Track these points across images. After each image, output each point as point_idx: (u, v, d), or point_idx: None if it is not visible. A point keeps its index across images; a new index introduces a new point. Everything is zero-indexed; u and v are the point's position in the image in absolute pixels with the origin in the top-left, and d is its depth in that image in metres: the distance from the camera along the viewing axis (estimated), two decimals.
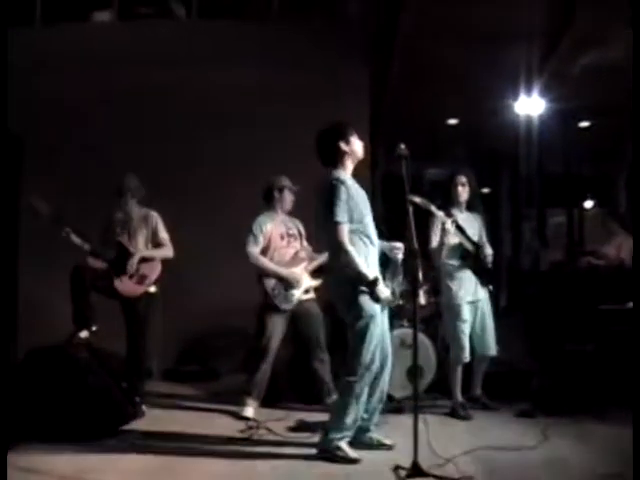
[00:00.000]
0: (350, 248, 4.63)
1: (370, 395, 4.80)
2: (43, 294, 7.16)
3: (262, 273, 6.06)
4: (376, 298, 4.61)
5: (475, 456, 4.69)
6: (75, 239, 5.90)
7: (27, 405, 5.09)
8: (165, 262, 6.23)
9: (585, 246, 11.22)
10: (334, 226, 4.65)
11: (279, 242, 6.17)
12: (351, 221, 4.70)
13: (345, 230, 4.66)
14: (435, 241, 5.99)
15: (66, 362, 5.28)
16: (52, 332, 5.66)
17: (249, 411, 5.88)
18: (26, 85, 7.40)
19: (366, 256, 4.72)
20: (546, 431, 5.24)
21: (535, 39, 9.49)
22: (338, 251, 4.67)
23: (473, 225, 6.16)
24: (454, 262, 6.03)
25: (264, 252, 6.11)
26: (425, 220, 5.88)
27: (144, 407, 5.81)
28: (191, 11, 9.24)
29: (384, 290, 4.65)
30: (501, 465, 4.59)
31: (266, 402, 6.10)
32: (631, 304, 6.05)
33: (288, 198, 6.27)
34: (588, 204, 14.47)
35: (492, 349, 6.06)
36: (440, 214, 5.77)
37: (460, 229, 5.91)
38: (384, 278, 4.84)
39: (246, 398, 5.96)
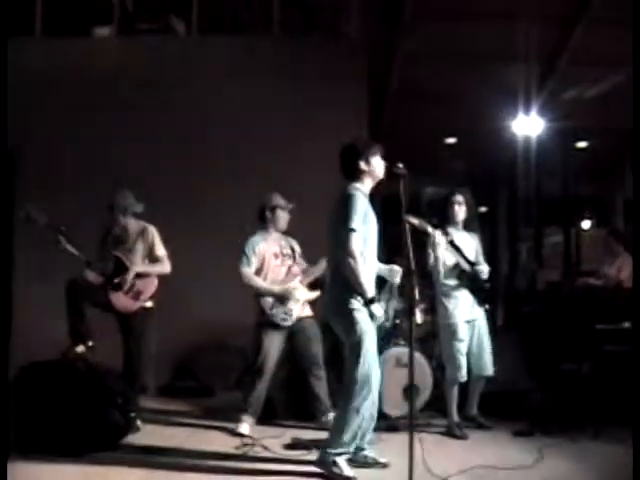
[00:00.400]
0: (358, 257, 4.63)
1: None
2: (39, 308, 7.14)
3: (256, 293, 6.06)
4: (371, 315, 4.62)
5: (471, 475, 4.67)
6: (71, 249, 5.88)
7: (21, 419, 5.07)
8: (161, 277, 6.21)
9: (582, 266, 11.22)
10: (348, 233, 4.63)
11: (273, 261, 6.16)
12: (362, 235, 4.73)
13: (358, 239, 4.66)
14: (432, 260, 5.99)
15: (62, 377, 5.26)
16: (49, 346, 5.65)
17: (245, 428, 5.85)
18: (26, 96, 7.43)
19: (366, 275, 4.72)
20: (543, 450, 5.22)
21: (534, 59, 9.56)
22: (346, 259, 4.65)
23: (470, 244, 6.15)
24: (450, 281, 6.02)
25: (258, 272, 6.11)
26: (423, 240, 5.89)
27: (139, 422, 5.79)
28: (191, 27, 9.27)
29: (379, 309, 4.67)
30: None
31: (262, 419, 6.07)
32: (628, 324, 6.05)
33: (281, 217, 6.24)
34: (586, 224, 14.50)
35: (489, 369, 6.05)
36: (436, 234, 5.77)
37: (456, 248, 5.92)
38: (379, 299, 4.84)
39: (242, 415, 5.93)
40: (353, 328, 4.65)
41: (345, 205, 4.70)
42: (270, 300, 6.01)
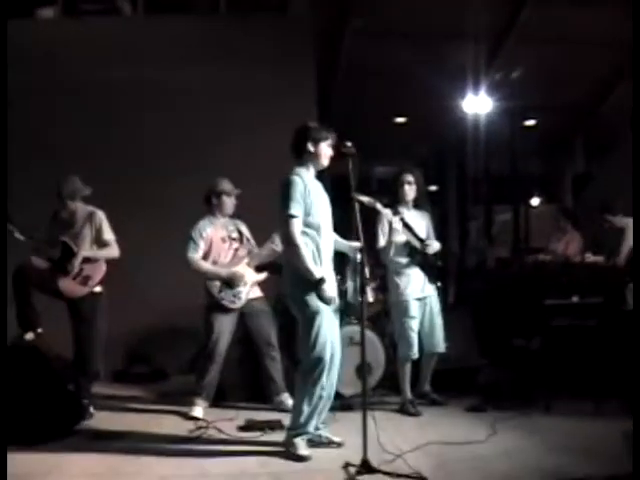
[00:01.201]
0: (300, 242, 4.64)
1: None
2: None
3: (205, 278, 6.04)
4: (320, 296, 4.62)
5: (425, 451, 4.72)
6: (19, 236, 5.78)
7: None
8: (111, 262, 6.15)
9: (531, 243, 11.35)
10: (287, 220, 4.66)
11: (221, 245, 6.14)
12: (307, 216, 4.72)
13: (297, 224, 4.67)
14: (382, 239, 6.00)
15: (12, 364, 5.19)
16: None
17: (198, 411, 5.84)
18: None
19: (317, 253, 4.72)
20: (495, 425, 5.29)
21: (482, 38, 9.60)
22: (287, 244, 4.70)
23: (420, 223, 6.18)
24: (401, 259, 6.05)
25: (206, 256, 6.10)
26: (373, 219, 5.90)
27: (92, 409, 5.73)
28: (137, 7, 9.13)
29: (329, 289, 4.66)
30: (451, 459, 4.63)
31: (215, 402, 6.07)
32: (576, 298, 6.15)
33: (228, 202, 6.21)
34: (534, 201, 14.65)
35: (440, 346, 6.10)
36: (386, 212, 5.77)
37: (407, 226, 5.93)
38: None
39: (195, 398, 5.92)
40: (305, 308, 4.67)
41: (282, 192, 4.74)
42: (218, 284, 5.99)
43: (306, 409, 4.71)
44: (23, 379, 5.13)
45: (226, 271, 6.04)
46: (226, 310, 5.97)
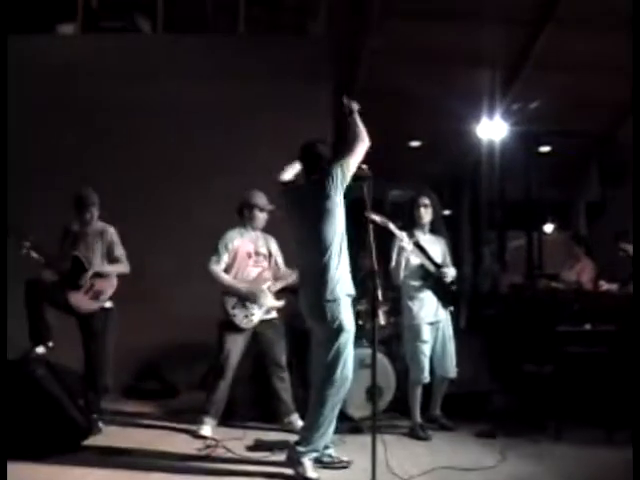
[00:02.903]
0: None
1: None
2: None
3: (224, 290, 6.02)
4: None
5: (434, 476, 4.69)
6: (34, 254, 5.81)
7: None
8: (123, 277, 6.16)
9: (544, 269, 11.31)
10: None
11: (245, 260, 6.10)
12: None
13: None
14: (395, 260, 6.00)
15: (22, 378, 5.18)
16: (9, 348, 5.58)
17: (207, 430, 5.82)
18: None
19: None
20: (505, 451, 5.26)
21: (498, 63, 9.62)
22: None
23: (436, 248, 6.16)
24: (415, 282, 6.03)
25: (229, 268, 6.06)
26: (387, 241, 5.89)
27: (101, 424, 5.74)
28: (156, 25, 9.21)
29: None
30: None
31: (224, 420, 6.05)
32: (588, 326, 6.12)
33: (260, 217, 6.16)
34: (548, 228, 14.61)
35: (452, 371, 6.08)
36: (400, 233, 5.78)
37: (421, 249, 5.93)
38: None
39: (204, 416, 5.89)
40: (341, 328, 4.67)
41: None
42: (234, 300, 5.97)
43: (322, 430, 4.68)
44: (32, 392, 5.12)
45: (246, 289, 5.98)
46: (238, 328, 5.96)
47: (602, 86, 9.96)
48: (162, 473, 4.75)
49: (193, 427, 5.89)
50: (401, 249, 5.86)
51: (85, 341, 6.01)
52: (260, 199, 6.15)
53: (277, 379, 6.03)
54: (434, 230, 6.21)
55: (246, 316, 5.95)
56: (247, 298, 5.97)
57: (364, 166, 4.73)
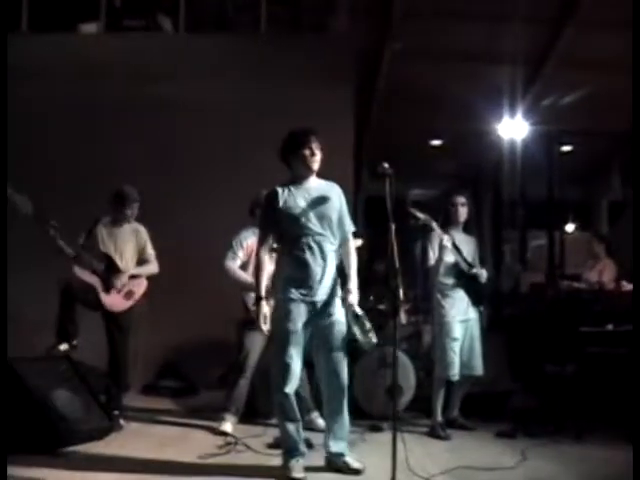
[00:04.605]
0: None
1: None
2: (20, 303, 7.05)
3: (242, 287, 6.02)
4: None
5: (454, 475, 4.67)
6: (60, 242, 5.74)
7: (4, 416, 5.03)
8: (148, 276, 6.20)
9: (565, 269, 11.26)
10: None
11: None
12: None
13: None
14: (433, 258, 5.99)
15: (44, 374, 5.22)
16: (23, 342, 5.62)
17: (228, 426, 5.83)
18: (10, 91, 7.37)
19: None
20: (525, 451, 5.23)
21: (520, 61, 9.57)
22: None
23: (469, 247, 6.16)
24: (448, 281, 6.02)
25: (244, 266, 6.07)
26: (405, 240, 5.87)
27: (122, 421, 5.77)
28: (178, 25, 9.25)
29: None
30: None
31: (244, 418, 6.06)
32: (610, 326, 6.09)
33: None
34: (569, 227, 14.55)
35: (479, 369, 6.04)
36: (439, 231, 5.78)
37: (456, 248, 5.92)
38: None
39: (224, 414, 5.92)
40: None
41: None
42: (253, 296, 5.96)
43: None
44: (56, 388, 5.16)
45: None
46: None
47: (624, 85, 9.90)
48: (181, 471, 4.77)
49: (213, 424, 5.91)
50: (443, 247, 5.84)
51: (111, 336, 5.99)
52: None
53: None
54: (466, 229, 6.20)
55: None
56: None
57: (386, 164, 4.72)
